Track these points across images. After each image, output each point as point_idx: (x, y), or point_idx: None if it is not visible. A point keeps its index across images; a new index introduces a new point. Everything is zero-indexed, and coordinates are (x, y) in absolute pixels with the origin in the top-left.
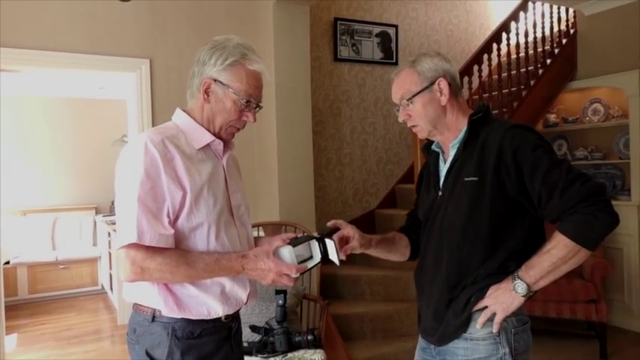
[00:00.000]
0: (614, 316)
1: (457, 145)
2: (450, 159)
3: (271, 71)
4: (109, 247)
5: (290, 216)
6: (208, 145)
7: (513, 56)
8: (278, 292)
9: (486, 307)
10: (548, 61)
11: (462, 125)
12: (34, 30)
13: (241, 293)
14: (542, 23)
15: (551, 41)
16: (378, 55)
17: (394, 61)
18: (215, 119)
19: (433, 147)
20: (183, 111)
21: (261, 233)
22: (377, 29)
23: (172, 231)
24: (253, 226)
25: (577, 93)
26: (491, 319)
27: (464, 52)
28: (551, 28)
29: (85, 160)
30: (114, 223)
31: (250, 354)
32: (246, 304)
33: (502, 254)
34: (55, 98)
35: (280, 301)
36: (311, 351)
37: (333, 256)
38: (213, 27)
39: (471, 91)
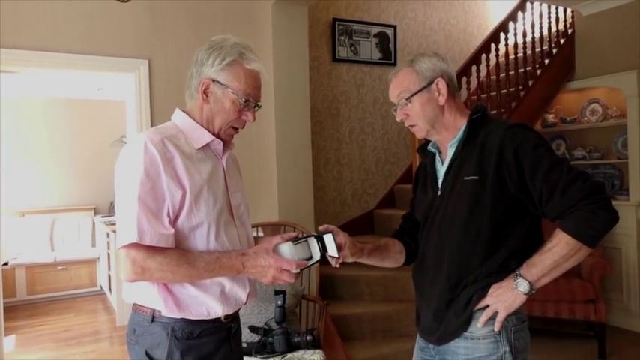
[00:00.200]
0: (612, 316)
1: (456, 145)
2: (448, 159)
3: (270, 72)
4: (108, 248)
5: (289, 216)
6: (208, 144)
7: (511, 56)
8: (277, 292)
9: (488, 305)
10: (547, 61)
11: (460, 125)
12: (33, 31)
13: (241, 293)
14: (540, 23)
15: (549, 41)
16: (376, 55)
17: (392, 61)
18: (214, 119)
19: (429, 147)
20: (183, 111)
21: (260, 233)
22: (375, 30)
23: (172, 230)
24: (252, 227)
25: (575, 93)
26: (492, 318)
27: (462, 53)
28: (549, 28)
29: (84, 160)
30: (113, 224)
31: (249, 354)
32: (245, 304)
33: (503, 253)
34: (53, 99)
35: (279, 302)
36: (310, 351)
37: (332, 251)
38: (212, 27)
39: (470, 91)
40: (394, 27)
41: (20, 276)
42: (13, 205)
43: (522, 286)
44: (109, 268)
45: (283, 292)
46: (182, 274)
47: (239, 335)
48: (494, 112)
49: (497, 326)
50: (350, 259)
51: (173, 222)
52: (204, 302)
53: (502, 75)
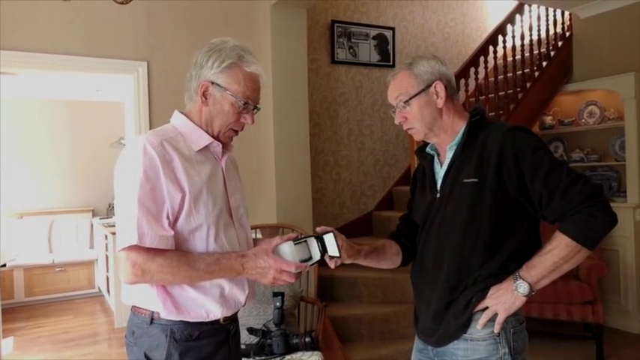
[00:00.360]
0: (610, 318)
1: (454, 147)
2: (447, 161)
3: (268, 74)
4: (106, 250)
5: (287, 218)
6: (207, 147)
7: (510, 59)
8: (275, 294)
9: (487, 307)
10: (544, 63)
11: (459, 127)
12: (32, 33)
13: (240, 295)
14: (538, 26)
15: (547, 44)
16: (375, 57)
17: (391, 63)
18: (213, 122)
19: (428, 149)
20: (182, 113)
21: (259, 235)
22: (374, 32)
23: (172, 232)
24: (251, 228)
25: (573, 95)
26: (491, 320)
27: (460, 55)
28: (547, 30)
29: (82, 162)
30: (111, 226)
31: (248, 356)
32: (244, 306)
33: (502, 255)
34: (52, 101)
35: (278, 304)
36: (308, 353)
37: (333, 251)
38: (211, 29)
39: (468, 93)
40: (393, 29)
41: (18, 278)
42: (12, 207)
43: (522, 287)
44: (107, 270)
45: (282, 294)
46: (182, 276)
47: (238, 337)
48: (493, 114)
49: (497, 328)
50: (347, 261)
51: (172, 224)
52: (204, 304)
53: (500, 77)
